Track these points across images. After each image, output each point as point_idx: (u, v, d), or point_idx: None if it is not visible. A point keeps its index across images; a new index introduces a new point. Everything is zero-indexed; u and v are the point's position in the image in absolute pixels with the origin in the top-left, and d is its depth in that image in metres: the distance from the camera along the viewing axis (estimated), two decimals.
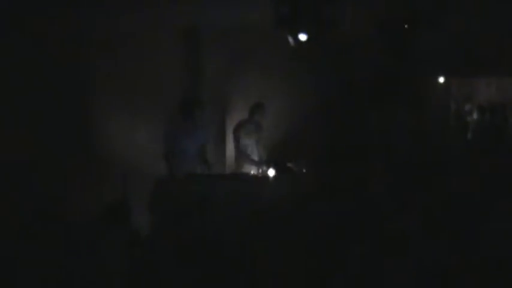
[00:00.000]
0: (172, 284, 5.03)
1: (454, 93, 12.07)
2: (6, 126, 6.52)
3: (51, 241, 5.66)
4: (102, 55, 7.44)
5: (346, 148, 10.39)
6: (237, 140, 8.00)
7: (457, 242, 5.19)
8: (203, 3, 7.13)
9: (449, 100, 11.87)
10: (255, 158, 7.95)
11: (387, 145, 9.76)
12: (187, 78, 8.65)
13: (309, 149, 9.36)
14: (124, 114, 7.81)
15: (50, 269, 4.82)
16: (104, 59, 7.50)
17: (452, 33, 8.35)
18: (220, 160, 8.72)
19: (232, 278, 5.17)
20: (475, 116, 11.58)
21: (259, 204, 6.40)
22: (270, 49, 8.95)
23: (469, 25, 8.30)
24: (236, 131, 8.03)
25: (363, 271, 4.77)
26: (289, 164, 7.66)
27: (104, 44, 7.43)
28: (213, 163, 7.96)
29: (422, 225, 5.60)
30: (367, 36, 8.31)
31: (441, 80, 11.31)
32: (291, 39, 6.72)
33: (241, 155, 7.99)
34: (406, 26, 7.74)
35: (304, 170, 7.66)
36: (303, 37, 6.60)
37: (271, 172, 7.36)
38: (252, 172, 7.73)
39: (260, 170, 7.63)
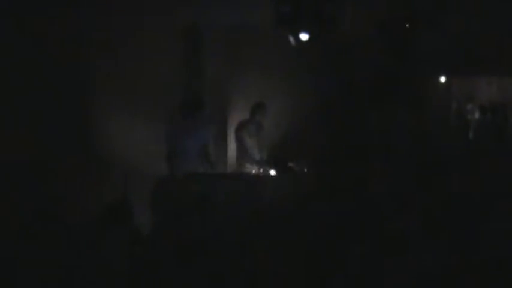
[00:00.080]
0: (172, 283, 5.02)
1: (454, 92, 12.06)
2: (6, 126, 6.52)
3: (51, 241, 5.67)
4: (102, 55, 7.43)
5: (346, 148, 10.40)
6: (238, 140, 8.00)
7: (457, 242, 5.19)
8: (204, 3, 7.13)
9: (450, 99, 11.86)
10: (256, 157, 7.95)
11: (387, 145, 9.76)
12: (187, 78, 8.64)
13: (309, 148, 9.36)
14: (124, 114, 7.80)
15: (50, 269, 4.82)
16: (104, 59, 7.50)
17: (452, 32, 8.34)
18: (221, 160, 8.72)
19: (232, 278, 5.17)
20: (476, 115, 11.57)
21: (260, 203, 6.40)
22: (271, 49, 8.95)
23: (469, 25, 8.29)
24: (238, 130, 8.03)
25: (363, 271, 4.76)
26: (290, 164, 7.67)
27: (104, 44, 7.42)
28: (214, 163, 7.97)
29: (422, 225, 5.59)
30: (367, 36, 8.31)
31: (442, 79, 11.31)
32: (291, 39, 6.72)
33: (243, 155, 7.99)
34: (406, 25, 7.74)
35: (305, 170, 7.67)
36: (304, 36, 6.60)
37: (272, 172, 7.36)
38: (253, 172, 7.73)
39: (261, 170, 7.63)
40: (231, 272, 5.14)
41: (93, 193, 6.91)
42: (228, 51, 8.72)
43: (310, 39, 6.67)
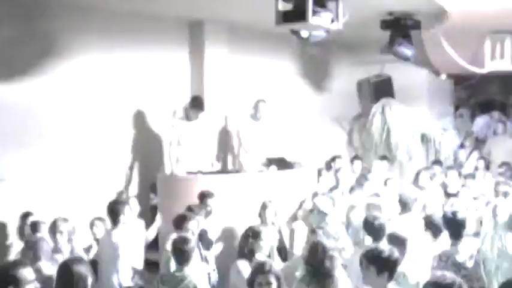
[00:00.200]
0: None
1: None
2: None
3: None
4: (101, 54, 7.43)
5: (347, 147, 10.40)
6: (238, 137, 8.01)
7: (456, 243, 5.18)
8: (206, 0, 7.13)
9: None
10: (258, 155, 7.94)
11: (388, 145, 9.76)
12: (190, 76, 8.64)
13: (311, 147, 9.38)
14: (124, 113, 7.81)
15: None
16: (104, 57, 7.50)
17: None
18: (222, 158, 8.73)
19: (231, 277, 5.17)
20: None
21: (261, 201, 6.41)
22: (273, 46, 8.96)
23: None
24: (238, 127, 8.04)
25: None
26: (290, 161, 7.66)
27: (103, 43, 7.42)
28: (215, 161, 7.98)
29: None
30: (369, 35, 8.28)
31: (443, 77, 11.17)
32: (293, 36, 6.70)
33: (243, 152, 7.99)
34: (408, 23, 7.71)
35: (305, 168, 7.67)
36: (305, 34, 6.57)
37: (272, 170, 7.35)
38: (254, 169, 7.72)
39: (262, 167, 7.62)
40: (232, 271, 5.14)
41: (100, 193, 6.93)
42: (229, 49, 8.70)
43: (311, 36, 6.65)
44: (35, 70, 6.70)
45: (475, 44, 8.51)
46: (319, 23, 5.26)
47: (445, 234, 5.29)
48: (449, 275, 3.34)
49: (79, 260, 3.95)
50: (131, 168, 7.87)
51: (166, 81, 8.19)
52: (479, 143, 10.91)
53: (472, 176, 8.54)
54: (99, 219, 6.00)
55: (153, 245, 6.44)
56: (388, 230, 5.13)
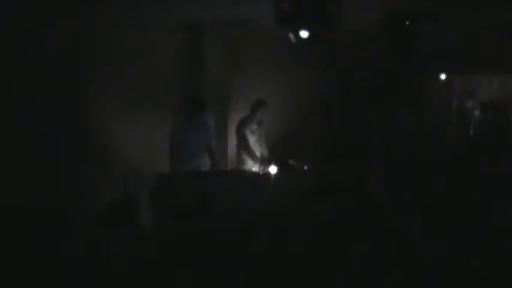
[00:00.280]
0: (172, 283, 5.02)
1: (455, 90, 12.05)
2: (7, 126, 6.53)
3: (50, 241, 5.68)
4: (101, 54, 7.43)
5: (346, 147, 10.40)
6: (239, 137, 8.01)
7: (456, 242, 5.19)
8: (205, 1, 7.12)
9: (451, 97, 11.86)
10: (257, 155, 7.95)
11: (387, 145, 9.76)
12: (188, 76, 8.64)
13: (310, 147, 9.37)
14: (124, 113, 7.81)
15: (49, 270, 4.83)
16: (104, 58, 7.50)
17: (453, 30, 8.33)
18: (221, 157, 8.72)
19: (232, 276, 5.18)
20: (476, 113, 11.56)
21: (260, 201, 6.41)
22: (271, 47, 8.95)
23: (469, 22, 8.28)
24: (239, 128, 8.04)
25: (363, 271, 4.76)
26: (290, 162, 7.67)
27: (103, 43, 7.42)
28: (217, 161, 7.98)
29: (422, 225, 5.59)
30: (368, 35, 8.29)
31: (443, 77, 11.29)
32: (292, 37, 6.71)
33: (243, 152, 7.99)
34: (407, 23, 7.73)
35: (305, 168, 7.68)
36: (304, 34, 6.58)
37: (272, 169, 7.36)
38: (253, 169, 7.74)
39: (262, 167, 7.63)
40: (232, 270, 5.14)
41: (94, 192, 6.93)
42: (228, 49, 8.71)
43: (310, 37, 6.66)
44: None
45: None
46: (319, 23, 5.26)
47: None
48: None
49: None
50: None
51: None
52: None
53: None
54: None
55: None
56: None
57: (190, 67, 8.57)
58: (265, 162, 7.69)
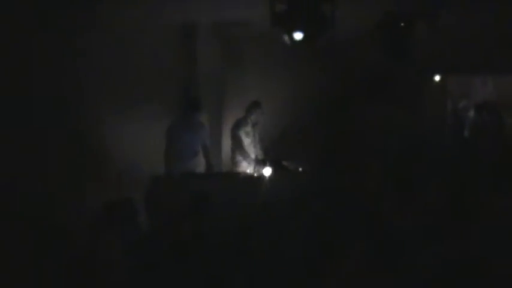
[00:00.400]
0: (169, 283, 5.02)
1: (450, 91, 12.07)
2: (3, 127, 6.52)
3: (50, 242, 5.66)
4: (97, 54, 7.42)
5: (343, 147, 10.41)
6: (234, 139, 8.01)
7: (456, 242, 5.19)
8: (200, 1, 7.13)
9: (445, 98, 11.87)
10: (252, 156, 7.96)
11: (384, 145, 9.77)
12: (183, 76, 8.64)
13: (306, 148, 9.37)
14: (120, 113, 7.80)
15: (49, 270, 4.82)
16: (100, 58, 7.49)
17: (448, 31, 8.34)
18: (215, 159, 8.72)
19: (228, 278, 5.17)
20: (471, 114, 11.57)
21: (255, 203, 6.41)
22: (267, 47, 8.95)
23: (463, 23, 8.30)
24: (234, 129, 8.04)
25: (361, 271, 4.76)
26: (285, 163, 7.67)
27: (99, 43, 7.41)
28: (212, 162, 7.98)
29: (421, 225, 5.60)
30: (363, 36, 8.30)
31: (437, 78, 11.30)
32: (286, 38, 6.70)
33: (238, 154, 8.00)
34: (402, 24, 7.74)
35: (300, 169, 7.68)
36: (298, 36, 6.58)
37: (267, 171, 7.36)
38: (248, 171, 7.74)
39: (256, 169, 7.63)
40: (228, 272, 5.14)
41: (91, 193, 6.92)
42: (224, 50, 8.71)
43: (304, 38, 6.66)
44: None
45: None
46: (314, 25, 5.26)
47: None
48: None
49: None
50: None
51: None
52: None
53: None
54: None
55: None
56: None
57: (186, 67, 8.57)
58: (260, 163, 7.69)
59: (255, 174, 7.52)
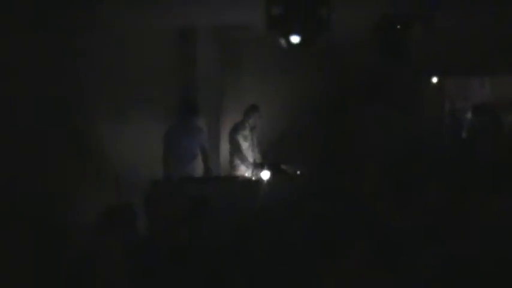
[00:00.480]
0: (167, 287, 5.02)
1: (448, 93, 12.08)
2: (3, 126, 6.51)
3: (49, 244, 5.66)
4: (96, 56, 7.42)
5: (342, 148, 10.41)
6: (232, 142, 8.02)
7: (455, 242, 5.20)
8: (198, 5, 7.13)
9: (443, 100, 11.88)
10: (250, 160, 7.96)
11: (383, 146, 9.78)
12: (181, 79, 8.64)
13: (304, 151, 9.37)
14: (118, 116, 7.79)
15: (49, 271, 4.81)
16: (98, 60, 7.49)
17: (445, 32, 8.36)
18: (214, 163, 8.72)
19: (227, 282, 5.17)
20: (469, 116, 11.58)
21: (254, 206, 6.40)
22: (265, 50, 8.95)
23: (461, 24, 8.31)
24: (231, 133, 8.05)
25: (361, 271, 4.76)
26: (283, 166, 7.67)
27: (98, 45, 7.41)
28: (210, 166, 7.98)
29: (420, 225, 5.60)
30: (360, 38, 8.32)
31: (434, 79, 11.32)
32: (283, 42, 6.70)
33: (236, 158, 8.00)
34: (398, 26, 7.75)
35: (298, 172, 7.68)
36: (295, 39, 6.57)
37: (265, 174, 7.36)
38: (246, 174, 7.74)
39: (255, 173, 7.64)
40: (227, 276, 5.14)
41: (90, 196, 6.91)
42: (222, 53, 8.72)
43: (301, 41, 6.65)
44: None
45: None
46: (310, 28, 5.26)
47: None
48: None
49: None
50: None
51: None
52: None
53: None
54: None
55: None
56: None
57: (184, 71, 8.57)
58: (258, 167, 7.70)
59: (254, 178, 7.53)
